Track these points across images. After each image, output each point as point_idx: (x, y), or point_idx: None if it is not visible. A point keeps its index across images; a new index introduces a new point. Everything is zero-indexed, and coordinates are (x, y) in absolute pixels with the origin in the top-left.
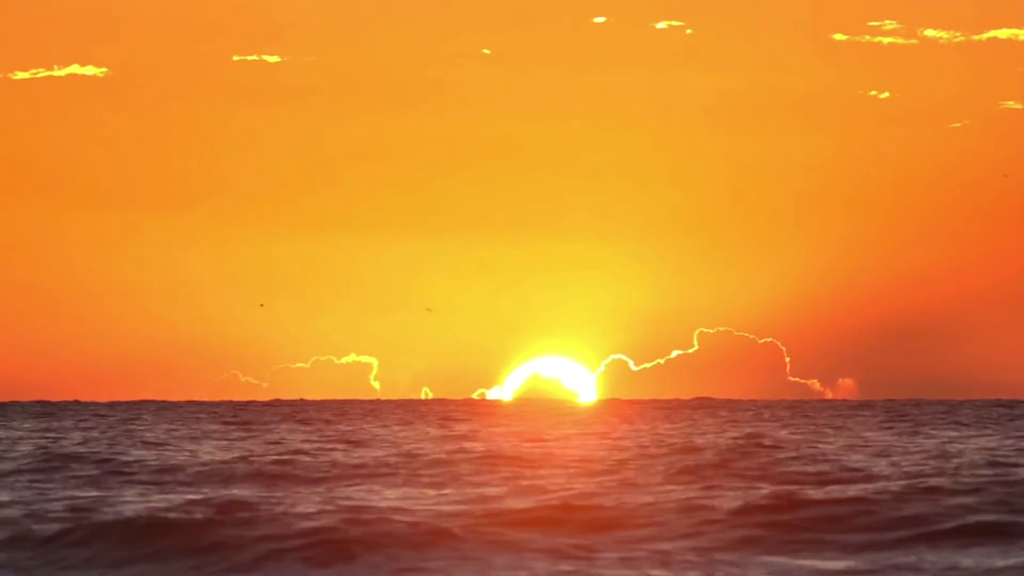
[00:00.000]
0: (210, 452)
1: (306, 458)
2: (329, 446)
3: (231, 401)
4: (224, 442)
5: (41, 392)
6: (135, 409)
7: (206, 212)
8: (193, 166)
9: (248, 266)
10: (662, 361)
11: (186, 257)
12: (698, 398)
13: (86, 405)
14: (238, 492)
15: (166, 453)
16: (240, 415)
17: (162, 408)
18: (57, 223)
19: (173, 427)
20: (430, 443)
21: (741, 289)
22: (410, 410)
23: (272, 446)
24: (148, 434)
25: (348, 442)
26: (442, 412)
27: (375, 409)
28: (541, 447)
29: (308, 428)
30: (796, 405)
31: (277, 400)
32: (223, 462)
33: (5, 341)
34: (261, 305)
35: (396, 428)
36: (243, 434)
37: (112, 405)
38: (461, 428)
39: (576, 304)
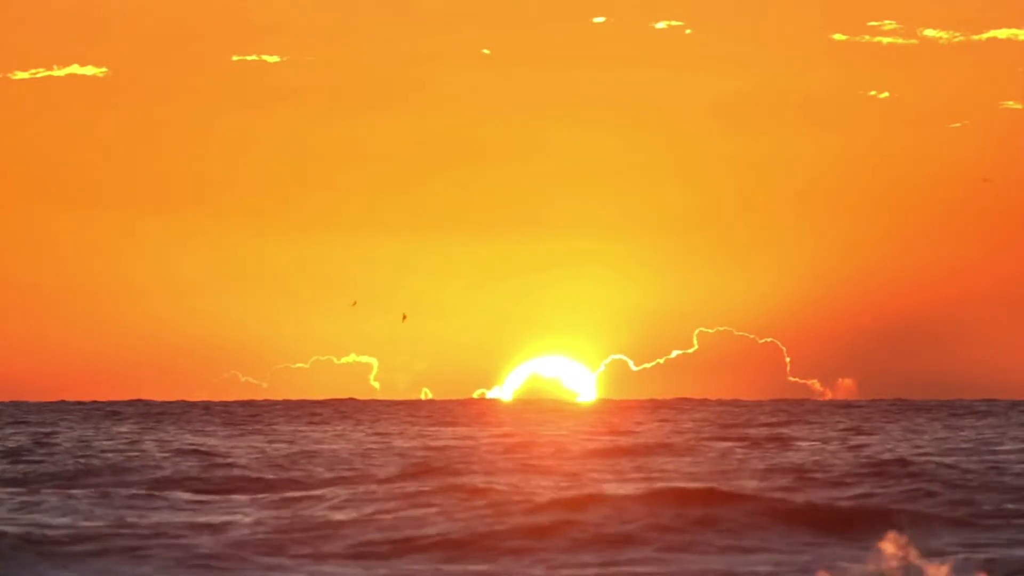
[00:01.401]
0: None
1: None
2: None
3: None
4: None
5: (39, 393)
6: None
7: (207, 212)
8: (193, 166)
9: (248, 266)
10: (662, 361)
11: (187, 257)
12: (679, 399)
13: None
14: None
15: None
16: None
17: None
18: (57, 223)
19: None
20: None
21: (741, 289)
22: (365, 410)
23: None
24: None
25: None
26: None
27: (328, 410)
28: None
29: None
30: (764, 404)
31: (264, 400)
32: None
33: (2, 342)
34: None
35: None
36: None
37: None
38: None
39: (576, 304)
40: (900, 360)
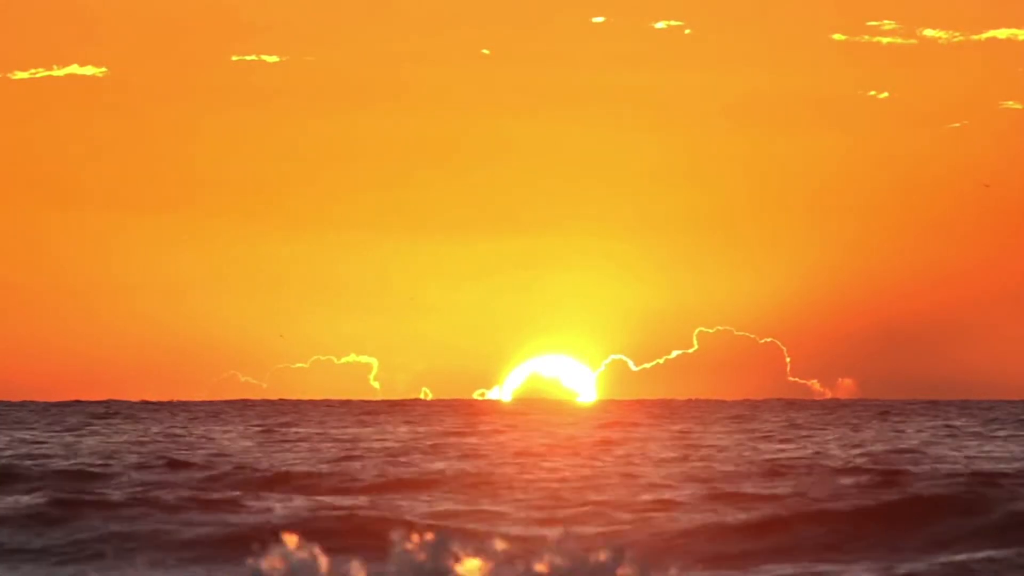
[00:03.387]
0: None
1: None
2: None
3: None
4: None
5: (34, 393)
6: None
7: (208, 211)
8: (195, 165)
9: (248, 266)
10: (662, 361)
11: (186, 257)
12: (662, 400)
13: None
14: None
15: None
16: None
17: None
18: (56, 223)
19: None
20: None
21: (741, 289)
22: (331, 410)
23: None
24: None
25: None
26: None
27: (294, 410)
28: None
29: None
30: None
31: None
32: None
33: None
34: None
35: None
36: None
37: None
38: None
39: (576, 303)
40: (901, 360)
